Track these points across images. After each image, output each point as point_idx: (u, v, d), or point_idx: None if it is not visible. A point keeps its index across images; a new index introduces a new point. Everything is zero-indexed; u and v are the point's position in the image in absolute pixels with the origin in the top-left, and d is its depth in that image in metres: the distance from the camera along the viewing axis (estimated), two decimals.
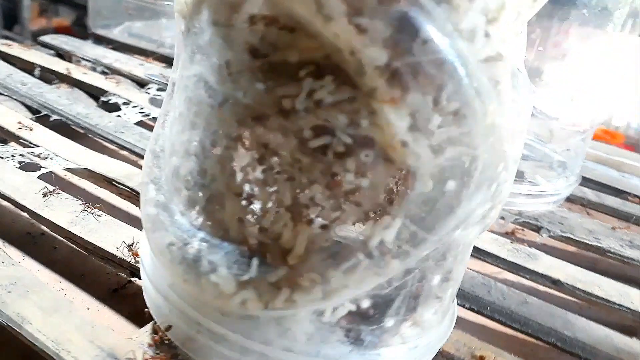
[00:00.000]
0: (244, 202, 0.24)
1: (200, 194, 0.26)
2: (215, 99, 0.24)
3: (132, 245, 0.35)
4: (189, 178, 0.26)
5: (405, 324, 0.27)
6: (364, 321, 0.26)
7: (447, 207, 0.23)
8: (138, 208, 0.43)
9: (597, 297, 0.42)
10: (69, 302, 0.30)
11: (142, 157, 0.49)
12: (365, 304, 0.25)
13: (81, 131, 0.53)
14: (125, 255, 0.35)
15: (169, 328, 0.28)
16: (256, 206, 0.24)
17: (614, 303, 0.42)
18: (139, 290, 0.37)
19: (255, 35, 0.22)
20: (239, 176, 0.24)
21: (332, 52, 0.21)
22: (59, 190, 0.40)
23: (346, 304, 0.25)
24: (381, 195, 0.23)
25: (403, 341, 0.28)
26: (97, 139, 0.53)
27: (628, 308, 0.42)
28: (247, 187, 0.24)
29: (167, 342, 0.29)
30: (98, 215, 0.38)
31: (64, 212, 0.38)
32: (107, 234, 0.36)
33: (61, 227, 0.37)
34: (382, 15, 0.20)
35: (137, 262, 0.34)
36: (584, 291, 0.43)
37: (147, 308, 0.30)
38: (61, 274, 0.38)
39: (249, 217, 0.24)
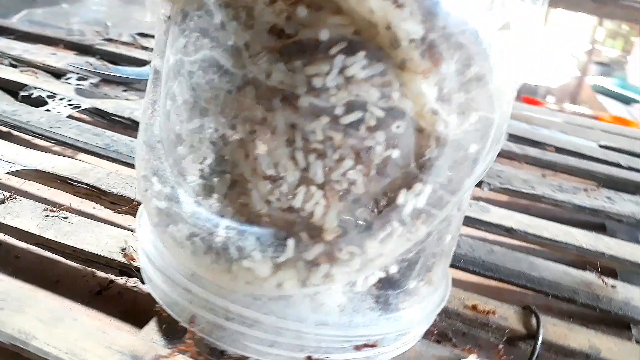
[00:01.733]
0: (271, 185, 0.24)
1: (219, 181, 0.25)
2: (233, 83, 0.24)
3: (125, 249, 0.33)
4: (204, 166, 0.26)
5: (421, 283, 0.29)
6: (392, 286, 0.27)
7: (469, 168, 0.25)
8: (100, 206, 0.41)
9: (546, 239, 0.47)
10: (68, 311, 0.29)
11: (87, 152, 0.46)
12: (393, 269, 0.26)
13: (4, 129, 0.49)
14: (113, 254, 0.33)
15: (192, 319, 0.27)
16: (284, 187, 0.24)
17: (561, 242, 0.46)
18: (122, 289, 0.36)
19: (279, 15, 0.22)
20: (266, 159, 0.24)
21: (364, 28, 0.21)
22: (15, 195, 0.37)
23: (376, 272, 0.26)
24: (412, 164, 0.24)
25: (420, 300, 0.29)
26: (25, 136, 0.49)
27: (573, 245, 0.46)
28: (273, 169, 0.24)
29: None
30: (65, 217, 0.36)
31: (29, 218, 0.35)
32: (86, 235, 0.34)
33: (31, 233, 0.34)
34: None
35: (128, 261, 0.33)
36: (534, 235, 0.47)
37: (135, 306, 0.29)
38: (33, 282, 0.35)
39: (278, 198, 0.24)
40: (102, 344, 0.27)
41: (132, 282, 0.36)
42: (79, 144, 0.46)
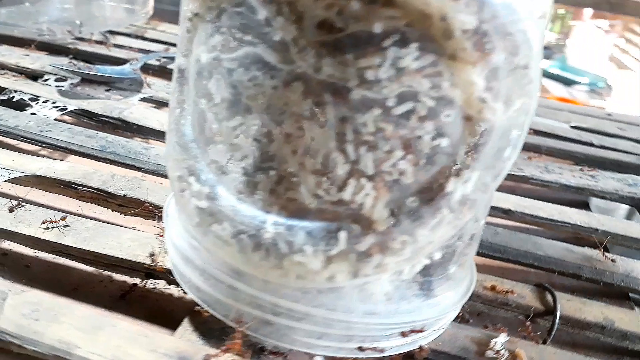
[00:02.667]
0: (320, 179, 0.24)
1: (265, 177, 0.25)
2: (280, 79, 0.24)
3: (152, 253, 0.33)
4: (247, 163, 0.26)
5: (458, 268, 0.29)
6: (435, 272, 0.28)
7: (509, 153, 0.25)
8: (106, 209, 0.40)
9: (543, 218, 0.48)
10: (105, 317, 0.28)
11: (82, 155, 0.45)
12: (437, 255, 0.27)
13: None
14: (138, 257, 0.33)
15: (239, 317, 0.27)
16: (334, 180, 0.24)
17: (557, 221, 0.48)
18: (145, 292, 0.35)
19: (329, 9, 0.22)
20: (316, 153, 0.24)
21: (417, 19, 0.21)
22: (22, 202, 0.36)
23: (423, 259, 0.27)
24: (460, 151, 0.24)
25: (455, 285, 0.30)
26: (9, 141, 0.47)
27: (568, 223, 0.48)
28: (323, 163, 0.24)
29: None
30: (64, 225, 0.35)
31: (43, 225, 0.34)
32: (106, 240, 0.34)
33: (48, 241, 0.33)
34: None
35: (156, 264, 0.32)
36: (531, 215, 0.48)
37: (160, 308, 0.29)
38: (49, 292, 0.34)
39: (327, 192, 0.24)
40: (147, 347, 0.27)
41: (153, 284, 0.36)
42: (73, 147, 0.45)
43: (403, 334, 0.28)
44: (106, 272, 0.37)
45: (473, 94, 0.23)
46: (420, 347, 0.29)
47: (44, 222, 0.34)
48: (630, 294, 0.43)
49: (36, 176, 0.40)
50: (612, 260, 0.43)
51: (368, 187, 0.24)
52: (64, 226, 0.35)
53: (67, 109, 0.51)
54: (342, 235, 0.25)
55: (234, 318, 0.27)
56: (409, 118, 0.23)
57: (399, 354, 0.29)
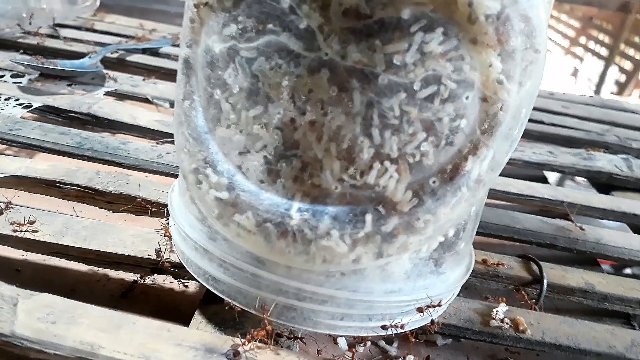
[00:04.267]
0: (345, 164, 0.25)
1: (288, 164, 0.25)
2: (304, 66, 0.24)
3: (159, 251, 0.32)
4: (268, 152, 0.26)
5: (465, 243, 0.31)
6: (448, 249, 0.29)
7: (519, 130, 0.27)
8: (93, 207, 0.39)
9: (514, 194, 0.51)
10: (122, 315, 0.28)
11: (57, 152, 0.43)
12: (451, 232, 0.28)
13: None
14: (143, 253, 0.32)
15: (264, 304, 0.27)
16: (359, 165, 0.25)
17: (527, 196, 0.51)
18: (146, 288, 0.35)
19: None
20: (341, 139, 0.24)
21: (443, 5, 0.22)
22: (11, 205, 0.34)
23: (440, 236, 0.28)
24: (477, 131, 0.25)
25: (462, 260, 0.31)
26: None
27: (537, 197, 0.51)
28: (348, 149, 0.25)
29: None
30: (33, 230, 0.34)
31: (38, 226, 0.33)
32: (107, 238, 0.33)
33: (47, 242, 0.32)
34: None
35: (163, 259, 0.32)
36: (503, 192, 0.51)
37: (163, 303, 0.29)
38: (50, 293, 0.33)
39: (352, 176, 0.25)
40: (172, 342, 0.27)
41: (153, 280, 0.35)
42: (47, 145, 0.43)
43: (420, 310, 0.29)
44: (102, 271, 0.36)
45: (491, 76, 0.24)
46: (432, 321, 0.30)
47: (12, 224, 0.33)
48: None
49: (16, 177, 0.38)
50: (582, 229, 0.46)
51: (392, 169, 0.25)
52: (32, 231, 0.33)
53: (32, 106, 0.49)
54: (368, 217, 0.25)
55: (258, 306, 0.28)
56: (432, 101, 0.24)
57: (414, 330, 0.30)
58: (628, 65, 2.68)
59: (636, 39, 2.67)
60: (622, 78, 2.69)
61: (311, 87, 0.24)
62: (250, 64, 0.25)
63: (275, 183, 0.26)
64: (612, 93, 2.59)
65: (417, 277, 0.28)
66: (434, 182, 0.25)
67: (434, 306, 0.29)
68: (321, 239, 0.25)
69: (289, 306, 0.28)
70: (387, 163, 0.25)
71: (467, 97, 0.24)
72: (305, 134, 0.25)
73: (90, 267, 0.35)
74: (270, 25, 0.24)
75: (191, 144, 0.28)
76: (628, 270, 0.58)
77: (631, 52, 2.70)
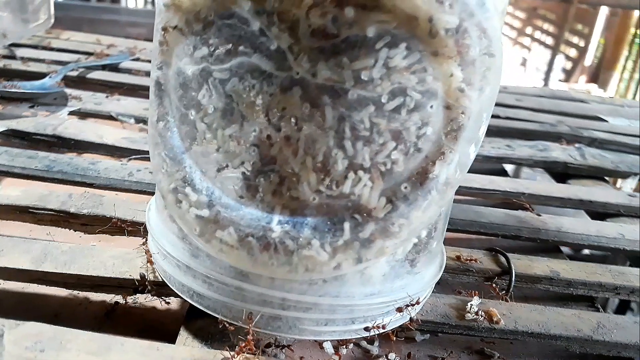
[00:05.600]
0: (321, 175, 0.26)
1: (266, 179, 0.26)
2: (277, 85, 0.25)
3: (144, 276, 0.33)
4: (245, 168, 0.27)
5: (437, 243, 0.32)
6: (422, 249, 0.30)
7: (480, 132, 0.28)
8: (69, 229, 0.39)
9: (476, 189, 0.53)
10: (110, 337, 0.28)
11: (27, 177, 0.43)
12: (423, 234, 0.30)
13: None
14: (125, 274, 0.32)
15: (250, 316, 0.28)
16: (334, 176, 0.26)
17: (489, 190, 0.53)
18: (128, 308, 0.35)
19: (324, 17, 0.23)
20: (316, 152, 0.25)
21: (405, 21, 0.24)
22: None
23: (414, 238, 0.29)
24: (442, 137, 0.27)
25: (434, 257, 0.33)
26: None
27: (499, 190, 0.53)
28: (323, 161, 0.26)
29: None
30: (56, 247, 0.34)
31: (17, 254, 0.33)
32: (87, 261, 0.33)
33: (26, 270, 0.32)
34: None
35: (146, 278, 0.32)
36: (466, 187, 0.53)
37: (147, 322, 0.30)
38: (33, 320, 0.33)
39: (328, 187, 0.26)
40: None
41: (134, 300, 0.36)
42: (16, 170, 0.43)
43: (399, 310, 0.30)
44: (82, 294, 0.36)
45: (453, 85, 0.25)
46: (411, 319, 0.32)
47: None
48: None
49: None
50: (538, 215, 0.48)
51: (365, 178, 0.26)
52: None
53: None
54: (346, 225, 0.26)
55: (244, 319, 0.28)
56: (399, 112, 0.25)
57: (394, 329, 0.31)
58: (573, 52, 2.78)
59: (579, 27, 2.76)
60: (569, 65, 2.78)
61: (284, 105, 0.25)
62: (224, 84, 0.26)
63: (254, 198, 0.27)
64: (560, 80, 2.68)
65: (394, 279, 0.30)
66: (405, 187, 0.27)
67: (412, 305, 0.30)
68: (302, 249, 0.27)
69: (274, 316, 0.28)
70: (360, 172, 0.26)
71: (431, 106, 0.26)
72: (281, 149, 0.26)
73: (70, 291, 0.35)
74: (241, 47, 0.25)
75: (168, 164, 0.28)
76: (586, 251, 0.61)
77: (575, 39, 2.80)
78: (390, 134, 0.26)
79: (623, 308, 0.64)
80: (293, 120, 0.25)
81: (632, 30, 2.48)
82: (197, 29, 0.26)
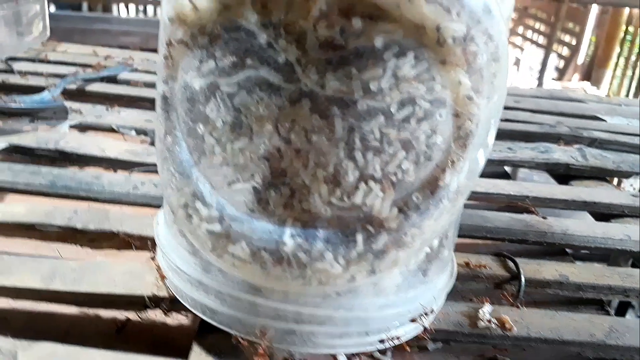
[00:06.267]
0: (332, 187, 0.26)
1: (277, 192, 0.26)
2: (286, 98, 0.25)
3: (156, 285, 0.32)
4: (255, 182, 0.26)
5: (448, 250, 0.32)
6: (434, 257, 0.30)
7: (490, 140, 0.28)
8: (76, 245, 0.39)
9: (481, 193, 0.53)
10: (125, 355, 0.28)
11: (30, 193, 0.43)
12: (435, 242, 0.30)
13: None
14: (136, 290, 0.32)
15: (264, 331, 0.28)
16: (345, 187, 0.26)
17: (493, 194, 0.53)
18: (139, 325, 0.35)
19: (331, 29, 0.23)
20: (326, 164, 0.25)
21: (412, 31, 0.24)
22: None
23: (426, 247, 0.29)
24: (452, 145, 0.27)
25: (445, 265, 0.33)
26: None
27: (503, 194, 0.53)
28: (334, 173, 0.26)
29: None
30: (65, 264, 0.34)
31: (27, 274, 0.33)
32: (96, 278, 0.33)
33: (35, 289, 0.32)
34: None
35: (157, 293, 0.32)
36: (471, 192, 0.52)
37: (157, 338, 0.30)
38: (45, 340, 0.33)
39: (340, 199, 0.26)
40: None
41: (145, 316, 0.35)
42: (19, 187, 0.43)
43: (413, 320, 0.30)
44: (92, 311, 0.36)
45: (461, 93, 0.25)
46: (425, 329, 0.32)
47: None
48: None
49: None
50: (544, 217, 0.48)
51: (376, 189, 0.26)
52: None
53: None
54: (359, 237, 0.26)
55: (258, 333, 0.28)
56: (409, 121, 0.25)
57: (409, 340, 0.31)
58: (565, 51, 2.79)
59: (570, 25, 2.77)
60: (561, 64, 2.79)
61: (294, 117, 0.25)
62: (232, 98, 0.26)
63: (265, 211, 0.27)
64: (553, 79, 2.69)
65: (407, 289, 0.29)
66: (416, 197, 0.27)
67: (427, 314, 0.30)
68: (316, 261, 0.26)
69: (288, 330, 0.28)
70: (371, 183, 0.26)
71: (440, 115, 0.26)
72: (291, 161, 0.26)
73: (80, 308, 0.34)
74: (249, 60, 0.25)
75: (177, 180, 0.28)
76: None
77: (567, 38, 2.81)
78: (400, 143, 0.25)
79: (623, 308, 0.64)
80: (303, 132, 0.25)
81: (623, 27, 2.50)
82: (203, 43, 0.26)
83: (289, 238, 0.26)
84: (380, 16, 0.23)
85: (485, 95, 0.26)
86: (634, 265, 0.54)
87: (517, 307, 0.36)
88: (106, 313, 0.36)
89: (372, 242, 0.26)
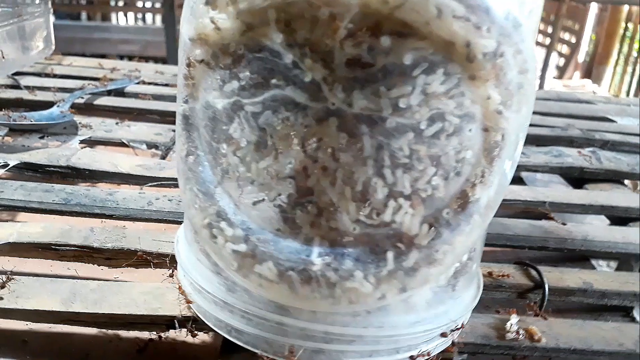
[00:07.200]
0: (361, 205, 0.25)
1: (304, 211, 0.26)
2: (312, 117, 0.24)
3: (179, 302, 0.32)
4: (281, 201, 0.26)
5: (476, 264, 0.32)
6: (463, 272, 0.30)
7: (517, 154, 0.28)
8: (94, 265, 0.38)
9: None
10: None
11: (43, 211, 0.42)
12: (465, 257, 0.29)
13: None
14: (158, 310, 0.32)
15: (292, 350, 0.28)
16: (374, 205, 0.25)
17: (511, 200, 0.52)
18: (160, 344, 0.34)
19: (359, 47, 0.23)
20: (355, 182, 0.25)
21: (441, 47, 0.23)
22: (11, 275, 0.33)
23: (455, 263, 0.29)
24: (482, 160, 0.26)
25: (472, 279, 0.32)
26: None
27: (520, 200, 0.52)
28: (362, 191, 0.25)
29: None
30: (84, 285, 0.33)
31: (46, 296, 0.32)
32: (117, 299, 0.32)
33: (56, 311, 0.31)
34: (492, 13, 0.23)
35: (184, 314, 0.32)
36: None
37: (181, 356, 0.29)
38: None
39: (368, 217, 0.26)
40: None
41: (166, 336, 0.35)
42: (33, 205, 0.43)
43: (444, 335, 0.30)
44: (112, 331, 0.35)
45: (490, 108, 0.25)
46: (453, 343, 0.31)
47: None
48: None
49: (9, 244, 0.37)
50: (563, 224, 0.48)
51: (406, 206, 0.26)
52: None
53: (9, 164, 0.48)
54: (389, 255, 0.26)
55: (286, 354, 0.28)
56: (439, 137, 0.25)
57: (438, 354, 0.30)
58: (565, 49, 2.79)
59: (570, 23, 2.77)
60: (561, 62, 2.79)
61: (321, 136, 0.24)
62: (257, 118, 0.25)
63: (292, 230, 0.26)
64: (554, 77, 2.69)
65: (437, 304, 0.29)
66: (447, 213, 0.26)
67: (458, 329, 0.30)
68: (345, 281, 0.26)
69: (317, 350, 0.28)
70: (401, 200, 0.25)
71: (470, 130, 0.25)
72: (318, 180, 0.25)
73: (99, 329, 0.34)
74: (273, 80, 0.24)
75: (201, 200, 0.28)
76: None
77: (567, 36, 2.81)
78: (430, 159, 0.25)
79: None
80: (330, 150, 0.25)
81: (623, 24, 2.49)
82: (225, 63, 0.26)
83: (317, 257, 0.26)
84: (409, 33, 0.23)
85: (514, 109, 0.26)
86: None
87: (543, 317, 0.35)
88: (127, 333, 0.35)
89: (402, 259, 0.26)
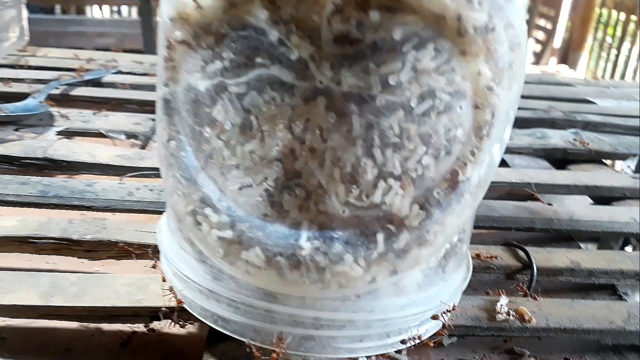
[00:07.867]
0: (350, 187, 0.25)
1: (291, 194, 0.25)
2: (299, 96, 0.23)
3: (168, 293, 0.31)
4: (268, 184, 0.25)
5: (466, 245, 0.31)
6: (453, 254, 0.29)
7: (507, 133, 0.27)
8: (73, 257, 0.37)
9: None
10: None
11: (21, 205, 0.41)
12: (455, 238, 0.29)
13: None
14: (141, 302, 0.31)
15: (280, 337, 0.27)
16: (364, 186, 0.25)
17: (497, 182, 0.52)
18: (145, 335, 0.34)
19: (347, 22, 0.22)
20: (344, 163, 0.24)
21: (432, 22, 0.22)
22: None
23: (446, 244, 0.28)
24: (473, 138, 0.26)
25: (461, 260, 0.32)
26: None
27: (505, 182, 0.52)
28: (351, 172, 0.24)
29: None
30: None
31: (24, 290, 0.31)
32: (99, 291, 0.31)
33: (35, 306, 0.30)
34: None
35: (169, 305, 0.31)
36: None
37: (163, 350, 0.28)
38: (43, 358, 0.31)
39: (358, 198, 0.25)
40: None
41: (151, 327, 0.34)
42: (10, 198, 0.41)
43: (435, 317, 0.29)
44: (93, 325, 0.34)
45: (481, 84, 0.24)
46: (444, 325, 0.31)
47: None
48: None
49: None
50: (549, 204, 0.48)
51: (396, 186, 0.25)
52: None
53: None
54: (380, 237, 0.25)
55: (274, 341, 0.27)
56: (429, 115, 0.24)
57: (429, 337, 0.30)
58: (541, 35, 2.80)
59: (545, 10, 2.79)
60: (538, 48, 2.80)
61: (308, 116, 0.24)
62: (241, 99, 0.24)
63: (280, 214, 0.26)
64: (531, 63, 2.70)
65: (428, 286, 0.28)
66: (437, 193, 0.26)
67: (449, 311, 0.29)
68: (335, 264, 0.25)
69: (306, 336, 0.27)
70: (391, 180, 0.25)
71: (460, 107, 0.25)
72: (306, 162, 0.24)
73: (80, 323, 0.33)
74: (258, 59, 0.24)
75: (184, 186, 0.27)
76: None
77: (542, 22, 2.82)
78: (420, 138, 0.24)
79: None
80: (318, 131, 0.24)
81: (597, 10, 2.51)
82: (207, 43, 0.25)
83: (306, 242, 0.25)
84: (398, 7, 0.22)
85: (504, 86, 0.25)
86: (623, 247, 0.54)
87: (533, 297, 0.35)
88: (109, 327, 0.34)
89: (393, 241, 0.25)
